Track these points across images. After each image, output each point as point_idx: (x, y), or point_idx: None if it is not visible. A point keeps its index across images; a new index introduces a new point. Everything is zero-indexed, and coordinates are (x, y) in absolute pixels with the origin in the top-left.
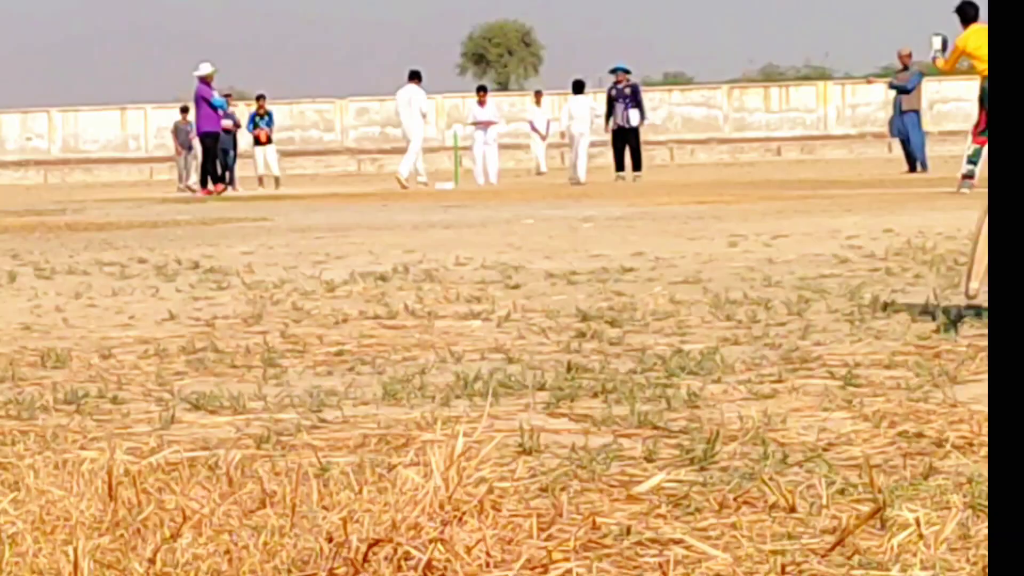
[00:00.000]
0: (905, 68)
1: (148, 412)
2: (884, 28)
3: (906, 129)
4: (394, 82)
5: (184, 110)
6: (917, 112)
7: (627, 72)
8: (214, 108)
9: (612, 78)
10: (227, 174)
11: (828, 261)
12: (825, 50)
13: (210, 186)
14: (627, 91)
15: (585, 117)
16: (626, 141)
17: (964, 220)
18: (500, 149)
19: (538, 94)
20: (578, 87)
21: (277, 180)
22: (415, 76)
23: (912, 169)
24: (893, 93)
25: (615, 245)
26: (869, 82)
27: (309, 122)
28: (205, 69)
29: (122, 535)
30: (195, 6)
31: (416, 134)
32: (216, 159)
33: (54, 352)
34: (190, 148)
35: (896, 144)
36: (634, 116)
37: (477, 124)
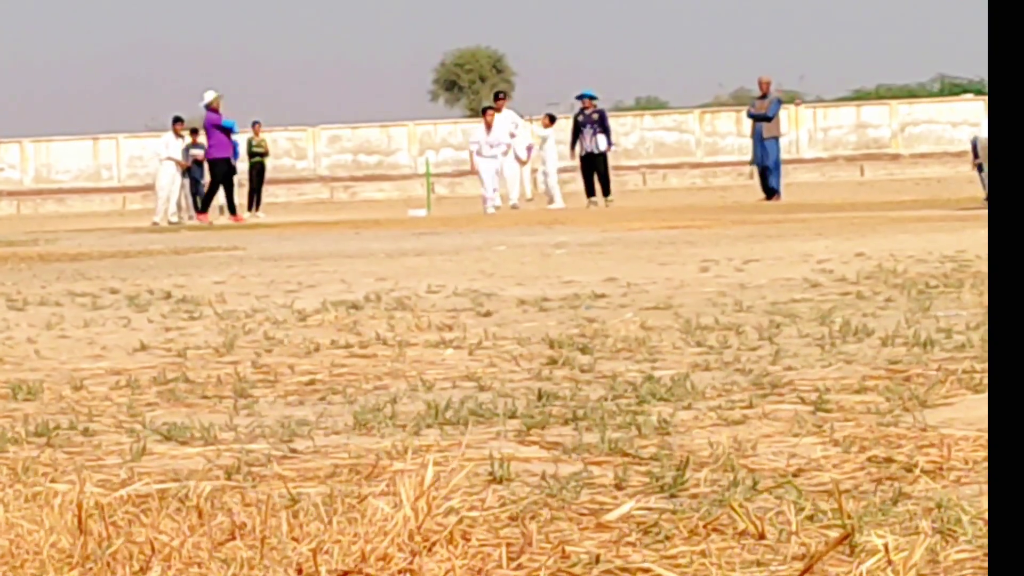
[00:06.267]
0: (764, 96)
1: (119, 444)
2: (856, 52)
3: (767, 157)
4: (366, 109)
5: (194, 131)
6: (777, 139)
7: (594, 98)
8: (227, 131)
9: (580, 104)
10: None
11: (799, 285)
12: (800, 73)
13: (242, 213)
14: (594, 116)
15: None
16: (594, 167)
17: (935, 243)
18: (466, 176)
19: (552, 118)
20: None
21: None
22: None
23: (769, 197)
24: (770, 121)
25: (587, 271)
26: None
27: (281, 150)
28: (209, 96)
29: (92, 569)
30: (165, 36)
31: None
32: (221, 186)
33: (25, 384)
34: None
35: (869, 168)
36: (602, 141)
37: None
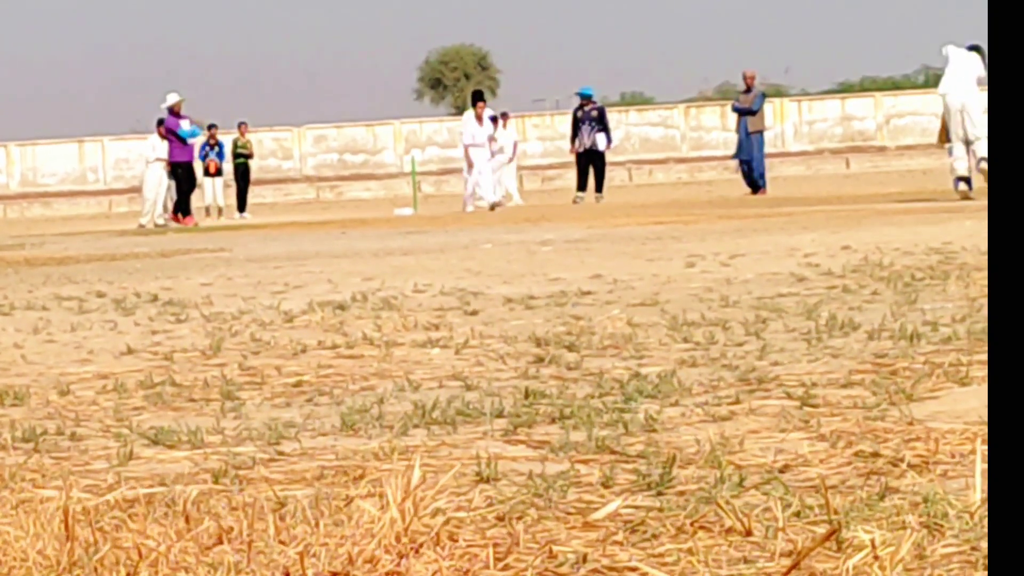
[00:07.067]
0: (748, 90)
1: (106, 448)
2: (840, 45)
3: (751, 151)
4: (351, 108)
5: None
6: (762, 133)
7: (591, 98)
8: (182, 139)
9: (574, 100)
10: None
11: (786, 280)
12: (785, 66)
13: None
14: (593, 114)
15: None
16: (591, 162)
17: (921, 236)
18: (452, 174)
19: (504, 116)
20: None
21: (220, 210)
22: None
23: (755, 191)
24: (755, 115)
25: (573, 268)
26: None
27: (267, 150)
28: (172, 99)
29: (79, 575)
30: (151, 37)
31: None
32: (186, 189)
33: (12, 389)
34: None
35: (854, 161)
36: (601, 140)
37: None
